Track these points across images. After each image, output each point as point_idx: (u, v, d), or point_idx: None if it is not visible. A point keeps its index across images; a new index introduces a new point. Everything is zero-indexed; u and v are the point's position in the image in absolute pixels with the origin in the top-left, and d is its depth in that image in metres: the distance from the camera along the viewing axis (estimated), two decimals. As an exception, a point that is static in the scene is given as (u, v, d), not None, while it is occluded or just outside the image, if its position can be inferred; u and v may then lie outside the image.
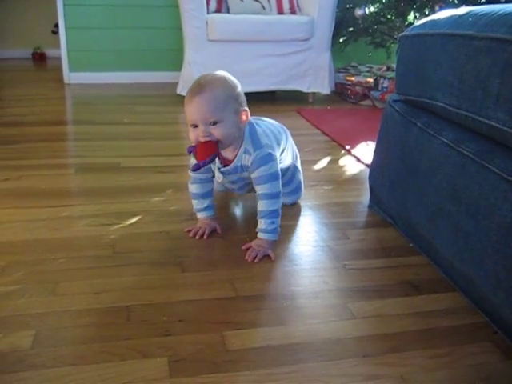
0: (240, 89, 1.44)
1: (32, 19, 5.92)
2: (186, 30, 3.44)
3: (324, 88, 3.64)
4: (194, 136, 1.39)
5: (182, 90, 3.53)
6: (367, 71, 3.94)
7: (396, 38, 3.71)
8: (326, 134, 2.83)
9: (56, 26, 5.43)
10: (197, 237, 1.55)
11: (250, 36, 3.43)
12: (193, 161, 1.46)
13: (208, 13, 3.45)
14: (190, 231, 1.57)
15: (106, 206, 1.74)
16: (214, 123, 1.36)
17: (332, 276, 1.38)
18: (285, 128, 1.77)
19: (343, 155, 2.46)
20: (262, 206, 1.48)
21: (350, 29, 3.79)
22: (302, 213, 1.80)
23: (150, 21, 4.28)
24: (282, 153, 1.63)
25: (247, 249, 1.47)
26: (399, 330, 1.17)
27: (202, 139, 1.37)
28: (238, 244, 1.51)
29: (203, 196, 1.59)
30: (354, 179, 2.16)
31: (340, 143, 2.63)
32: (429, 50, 1.43)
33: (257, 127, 1.51)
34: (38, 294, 1.26)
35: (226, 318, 1.19)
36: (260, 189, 1.48)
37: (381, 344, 1.12)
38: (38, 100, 3.73)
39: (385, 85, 3.52)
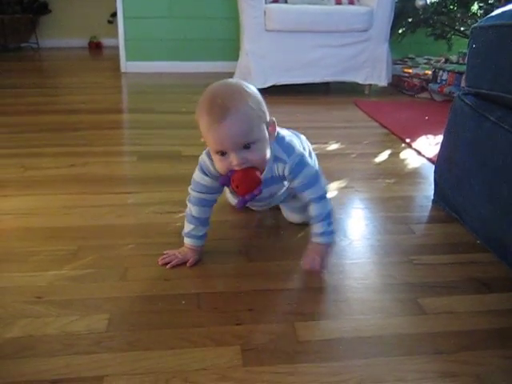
0: (262, 97, 1.23)
1: (89, 9, 6.03)
2: (243, 19, 3.44)
3: (381, 80, 3.58)
4: (223, 166, 1.20)
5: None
6: (425, 63, 3.87)
7: (457, 29, 3.62)
8: (384, 126, 2.79)
9: (112, 15, 5.56)
10: (160, 263, 1.34)
11: (307, 26, 3.41)
12: (200, 179, 1.31)
13: (266, 3, 3.43)
14: (163, 259, 1.35)
15: (170, 194, 1.76)
16: (247, 146, 1.16)
17: (399, 271, 1.36)
18: (297, 133, 1.57)
19: (403, 148, 2.41)
20: (317, 209, 1.31)
21: (409, 20, 3.71)
22: (365, 206, 1.78)
23: (207, 10, 4.29)
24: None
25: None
26: (472, 328, 1.15)
27: (238, 167, 1.19)
28: (306, 236, 1.51)
29: (203, 222, 1.36)
30: (417, 173, 2.12)
31: (399, 136, 2.58)
32: (504, 41, 1.38)
33: (279, 131, 1.33)
34: (109, 278, 1.29)
35: (295, 308, 1.19)
36: (309, 194, 1.31)
37: (454, 341, 1.10)
38: (96, 88, 3.80)
39: (444, 77, 3.43)
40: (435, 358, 1.05)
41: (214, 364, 1.01)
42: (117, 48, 4.44)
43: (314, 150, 2.29)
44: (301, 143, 1.50)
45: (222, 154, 1.18)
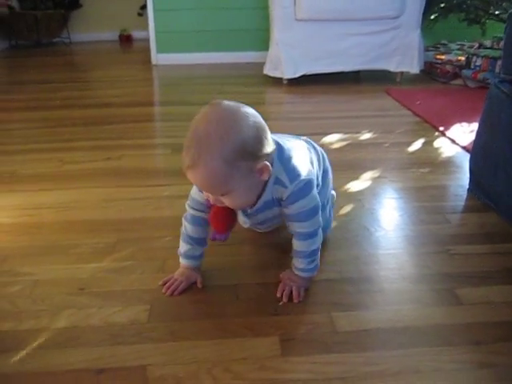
0: (255, 131, 1.02)
1: (118, 2, 6.07)
2: (273, 9, 3.43)
3: (413, 67, 3.54)
4: (203, 196, 1.14)
5: (268, 70, 3.54)
6: (458, 49, 3.81)
7: (492, 13, 3.56)
8: (417, 114, 2.77)
9: (142, 8, 5.60)
10: (167, 293, 1.22)
11: (337, 14, 3.38)
12: (197, 195, 1.20)
13: (296, -8, 3.42)
14: (164, 283, 1.25)
15: (205, 186, 1.78)
16: (222, 194, 1.07)
17: (435, 261, 1.36)
18: (313, 143, 1.38)
19: (437, 137, 2.39)
20: (301, 246, 1.20)
21: (442, 5, 3.66)
22: (399, 196, 1.78)
23: (237, 1, 4.29)
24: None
25: (281, 280, 1.24)
26: (509, 319, 1.14)
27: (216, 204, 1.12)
28: (340, 227, 1.52)
29: (200, 242, 1.26)
30: (451, 162, 2.10)
31: (433, 124, 2.56)
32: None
33: (284, 146, 1.15)
34: (148, 270, 1.32)
35: (332, 299, 1.20)
36: (298, 227, 1.18)
37: (491, 332, 1.10)
38: (127, 81, 3.84)
39: (478, 63, 3.38)
40: (473, 349, 1.05)
41: (254, 354, 1.03)
42: (147, 40, 4.47)
43: (347, 139, 2.32)
44: (311, 153, 1.30)
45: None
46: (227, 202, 1.08)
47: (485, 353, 1.04)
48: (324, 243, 1.42)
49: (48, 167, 2.05)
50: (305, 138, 1.37)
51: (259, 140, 1.03)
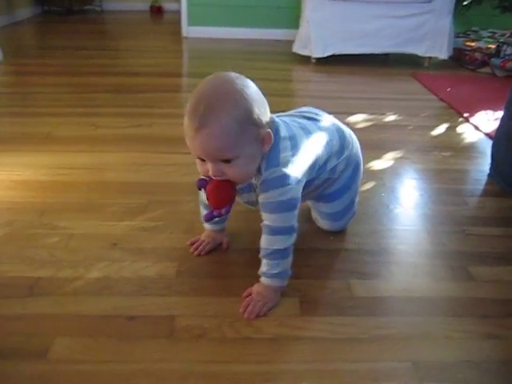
0: (258, 99, 1.02)
1: (151, -28, 6.10)
2: (306, -12, 3.45)
3: (442, 53, 3.55)
4: (202, 170, 1.06)
5: (298, 48, 3.57)
6: (489, 37, 3.79)
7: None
8: (442, 100, 2.80)
9: (175, -21, 5.60)
10: (195, 253, 1.29)
11: (370, -4, 3.40)
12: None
13: (329, -29, 3.44)
14: (192, 244, 1.32)
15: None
16: (227, 161, 1.01)
17: (451, 239, 1.42)
18: (344, 129, 1.33)
19: (461, 123, 2.42)
20: (264, 241, 1.13)
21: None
22: (420, 177, 1.83)
23: (269, -22, 4.31)
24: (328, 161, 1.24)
25: (246, 296, 1.14)
26: (520, 297, 1.20)
27: (213, 177, 1.05)
28: (361, 202, 1.57)
29: None
30: (473, 147, 2.14)
31: (458, 110, 2.59)
32: None
33: (282, 132, 1.11)
34: (176, 230, 1.40)
35: (350, 267, 1.27)
36: (265, 218, 1.12)
37: (501, 308, 1.16)
38: (157, 52, 3.90)
39: (508, 52, 3.38)
40: (482, 321, 1.11)
41: (274, 312, 1.10)
42: (178, 13, 4.52)
43: (371, 120, 2.36)
44: (331, 144, 1.24)
45: (201, 159, 1.04)
46: (230, 172, 1.02)
47: (493, 325, 1.10)
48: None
49: (82, 130, 2.12)
50: (336, 124, 1.32)
51: (264, 109, 1.03)
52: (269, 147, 1.06)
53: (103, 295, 1.15)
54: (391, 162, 1.91)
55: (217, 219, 1.20)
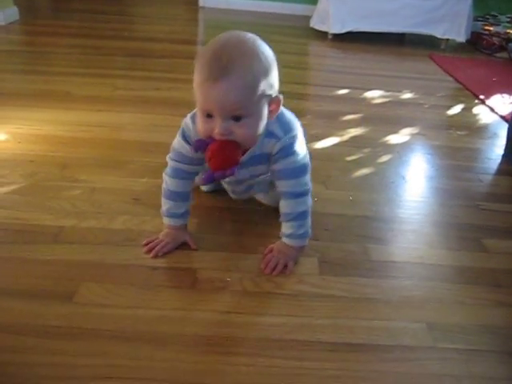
0: (274, 63, 0.99)
1: None
2: (327, -38, 3.43)
3: (460, 35, 3.54)
4: (206, 129, 0.99)
5: (315, 23, 3.57)
6: (508, 22, 3.78)
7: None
8: (458, 81, 2.80)
9: None
10: (151, 254, 1.15)
11: (391, -26, 3.38)
12: (180, 146, 1.13)
13: None
14: (146, 244, 1.17)
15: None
16: (238, 118, 0.96)
17: (465, 213, 1.44)
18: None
19: (476, 104, 2.43)
20: (287, 207, 1.14)
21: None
22: (435, 153, 1.84)
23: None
24: None
25: (268, 253, 1.17)
26: (531, 269, 1.23)
27: (219, 137, 0.98)
28: (377, 173, 1.60)
29: (183, 197, 1.18)
30: (488, 128, 2.15)
31: (474, 92, 2.60)
32: None
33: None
34: (195, 189, 1.40)
35: (367, 233, 1.30)
36: (284, 185, 1.13)
37: (513, 278, 1.19)
38: (174, 20, 3.91)
39: (526, 38, 3.37)
40: (493, 290, 1.14)
41: (294, 270, 1.13)
42: (195, -19, 4.49)
43: (387, 97, 2.38)
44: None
45: (209, 115, 0.97)
46: (239, 131, 0.97)
47: (504, 294, 1.13)
48: (362, 185, 1.51)
49: (101, 91, 2.14)
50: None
51: (276, 75, 1.00)
52: (275, 114, 1.05)
53: (126, 246, 1.17)
54: (407, 138, 1.92)
55: (186, 209, 1.19)
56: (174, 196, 1.17)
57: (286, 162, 1.10)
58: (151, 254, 1.15)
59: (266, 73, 0.96)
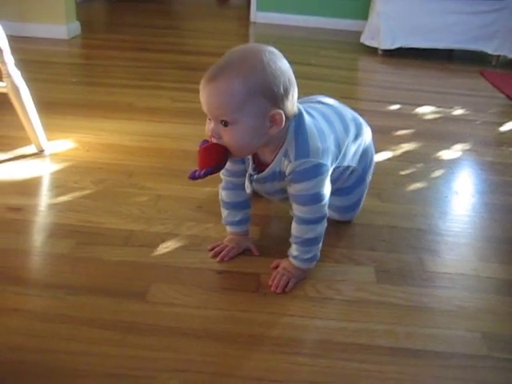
0: (281, 77, 0.98)
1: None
2: (378, -21, 3.48)
3: (512, 52, 3.53)
4: (206, 129, 1.04)
5: (365, 39, 3.61)
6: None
7: None
8: (510, 98, 2.79)
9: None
10: (218, 259, 1.21)
11: (442, -10, 3.41)
12: (229, 166, 1.17)
13: (403, -36, 3.46)
14: (212, 249, 1.25)
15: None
16: (224, 123, 0.98)
17: (519, 229, 1.47)
18: (360, 118, 1.32)
19: (530, 122, 2.44)
20: (296, 230, 1.14)
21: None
22: (487, 168, 1.86)
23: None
24: (344, 148, 1.20)
25: (274, 267, 1.19)
26: None
27: (210, 139, 1.03)
28: (431, 187, 1.64)
29: (236, 206, 1.24)
30: (542, 146, 2.16)
31: (526, 109, 2.60)
32: None
33: (306, 119, 1.08)
34: (257, 199, 1.46)
35: (422, 245, 1.34)
36: (295, 209, 1.13)
37: None
38: (225, 34, 4.00)
39: None
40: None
41: (353, 278, 1.19)
42: (245, -2, 4.59)
43: (439, 113, 2.40)
44: (354, 131, 1.25)
45: (210, 119, 1.02)
46: (226, 136, 0.99)
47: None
48: (416, 199, 1.55)
49: (160, 103, 2.24)
50: (351, 111, 1.31)
51: (286, 90, 0.99)
52: (277, 130, 1.02)
53: (192, 250, 1.25)
54: (459, 153, 1.95)
55: (242, 217, 1.24)
56: (228, 206, 1.25)
57: (296, 187, 1.09)
58: (217, 259, 1.22)
59: (260, 84, 0.96)
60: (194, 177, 1.05)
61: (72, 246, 1.23)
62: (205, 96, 0.99)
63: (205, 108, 1.00)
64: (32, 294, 1.09)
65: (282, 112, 0.99)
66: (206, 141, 1.05)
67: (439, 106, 2.51)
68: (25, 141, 1.70)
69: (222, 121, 0.98)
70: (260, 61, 0.97)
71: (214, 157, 1.03)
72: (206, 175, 1.04)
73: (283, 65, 1.00)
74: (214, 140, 1.02)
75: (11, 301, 1.06)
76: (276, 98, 0.98)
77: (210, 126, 1.02)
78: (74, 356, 0.94)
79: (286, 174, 1.08)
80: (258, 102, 0.97)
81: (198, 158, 1.05)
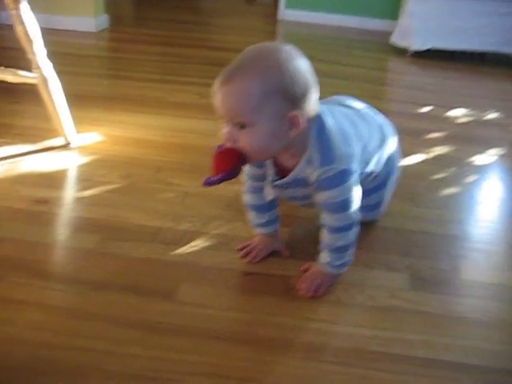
0: (300, 77, 0.93)
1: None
2: (411, -21, 3.42)
3: (546, 55, 3.44)
4: (222, 133, 0.98)
5: (396, 39, 3.54)
6: None
7: None
8: (544, 103, 2.73)
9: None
10: (246, 259, 1.19)
11: (477, -9, 3.34)
12: (250, 169, 1.16)
13: (437, -37, 3.39)
14: (242, 249, 1.23)
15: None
16: (242, 126, 0.94)
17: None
18: (387, 127, 1.28)
19: None
20: (326, 238, 1.10)
21: None
22: None
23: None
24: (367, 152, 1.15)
25: (305, 270, 1.16)
26: None
27: (225, 143, 0.98)
28: (464, 192, 1.59)
29: (261, 209, 1.20)
30: None
31: (561, 115, 2.52)
32: None
33: (329, 121, 1.02)
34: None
35: (456, 251, 1.30)
36: (324, 217, 1.09)
37: None
38: (253, 31, 3.97)
39: None
40: None
41: (386, 284, 1.15)
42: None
43: (471, 116, 2.34)
44: (379, 137, 1.21)
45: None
46: (243, 139, 0.94)
47: None
48: (449, 204, 1.51)
49: (188, 98, 2.22)
50: (380, 118, 1.28)
51: (305, 90, 0.94)
52: (296, 132, 0.96)
53: (220, 250, 1.22)
54: (494, 158, 1.89)
55: (269, 219, 1.21)
56: (252, 208, 1.22)
57: (323, 195, 1.05)
58: (247, 259, 1.19)
59: (277, 84, 0.91)
60: (208, 183, 1.02)
61: (98, 241, 1.22)
62: (220, 98, 0.94)
63: (220, 110, 0.96)
64: (57, 288, 1.07)
65: (301, 113, 0.95)
66: (221, 146, 1.01)
67: (472, 109, 2.45)
68: (53, 133, 1.69)
69: (238, 123, 0.94)
70: (276, 60, 0.92)
71: (229, 162, 0.98)
72: (220, 181, 1.00)
73: (301, 64, 0.95)
74: (229, 144, 0.97)
75: (36, 295, 1.04)
76: (294, 98, 0.93)
77: (225, 129, 0.97)
78: (98, 355, 0.92)
79: (312, 181, 1.04)
80: (276, 103, 0.92)
81: (212, 164, 1.01)
